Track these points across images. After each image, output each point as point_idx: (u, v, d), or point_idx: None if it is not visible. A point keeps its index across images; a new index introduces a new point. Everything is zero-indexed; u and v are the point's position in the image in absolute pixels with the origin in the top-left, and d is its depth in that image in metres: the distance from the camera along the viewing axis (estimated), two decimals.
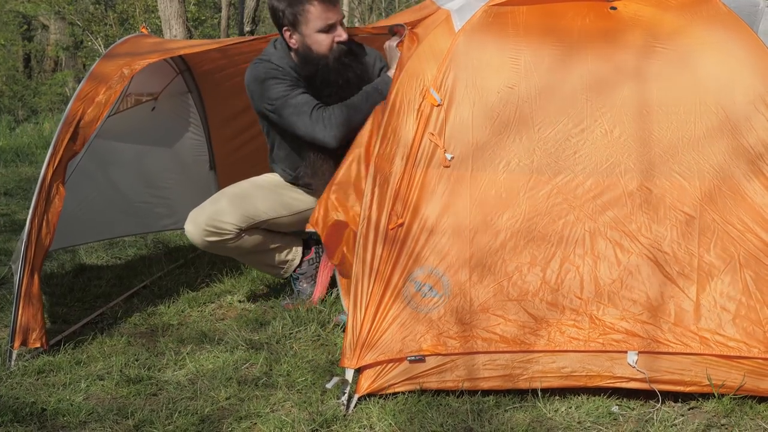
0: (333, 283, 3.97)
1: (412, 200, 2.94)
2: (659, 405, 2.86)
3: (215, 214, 3.75)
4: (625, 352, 2.84)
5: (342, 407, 2.88)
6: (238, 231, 3.76)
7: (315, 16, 3.47)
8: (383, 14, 21.32)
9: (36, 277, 3.48)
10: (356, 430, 2.77)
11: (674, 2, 3.01)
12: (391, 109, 3.02)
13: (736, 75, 2.89)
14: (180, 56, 4.67)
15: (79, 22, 16.29)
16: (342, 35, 3.50)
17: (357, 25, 19.90)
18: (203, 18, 16.55)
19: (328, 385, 3.03)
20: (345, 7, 22.34)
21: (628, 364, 2.84)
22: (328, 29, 3.48)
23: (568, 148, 2.91)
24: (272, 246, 3.97)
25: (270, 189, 3.93)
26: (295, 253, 4.06)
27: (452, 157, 2.94)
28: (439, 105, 2.97)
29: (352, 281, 2.97)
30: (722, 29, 2.94)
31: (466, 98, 2.96)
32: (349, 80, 3.59)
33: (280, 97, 3.62)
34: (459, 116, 2.96)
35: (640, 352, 2.84)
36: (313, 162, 3.72)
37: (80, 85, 3.72)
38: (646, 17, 2.99)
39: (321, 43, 3.50)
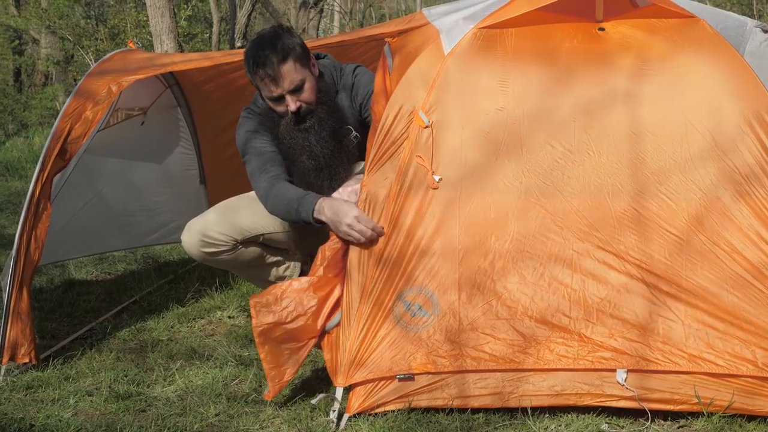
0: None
1: (403, 222, 2.94)
2: (649, 423, 2.87)
3: (208, 224, 3.73)
4: (614, 370, 2.85)
5: (332, 424, 2.87)
6: (234, 243, 3.72)
7: (262, 87, 3.59)
8: None
9: (25, 292, 3.48)
10: None
11: (662, 24, 3.02)
12: (380, 131, 3.02)
13: (723, 98, 2.90)
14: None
15: (69, 37, 16.27)
16: (291, 105, 3.55)
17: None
18: (194, 33, 16.55)
19: (314, 401, 3.04)
20: (335, 23, 22.42)
21: (617, 382, 2.85)
22: (275, 100, 3.58)
23: (557, 169, 2.92)
24: (269, 261, 3.91)
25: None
26: (293, 270, 3.95)
27: (440, 179, 2.94)
28: (427, 127, 2.97)
29: (343, 301, 2.97)
30: (709, 52, 2.95)
31: (455, 121, 2.96)
32: (320, 140, 3.60)
33: (241, 148, 3.73)
34: (448, 138, 2.96)
35: (629, 371, 2.85)
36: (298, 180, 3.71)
37: (67, 101, 3.72)
38: (635, 40, 3.00)
39: (275, 108, 3.63)
